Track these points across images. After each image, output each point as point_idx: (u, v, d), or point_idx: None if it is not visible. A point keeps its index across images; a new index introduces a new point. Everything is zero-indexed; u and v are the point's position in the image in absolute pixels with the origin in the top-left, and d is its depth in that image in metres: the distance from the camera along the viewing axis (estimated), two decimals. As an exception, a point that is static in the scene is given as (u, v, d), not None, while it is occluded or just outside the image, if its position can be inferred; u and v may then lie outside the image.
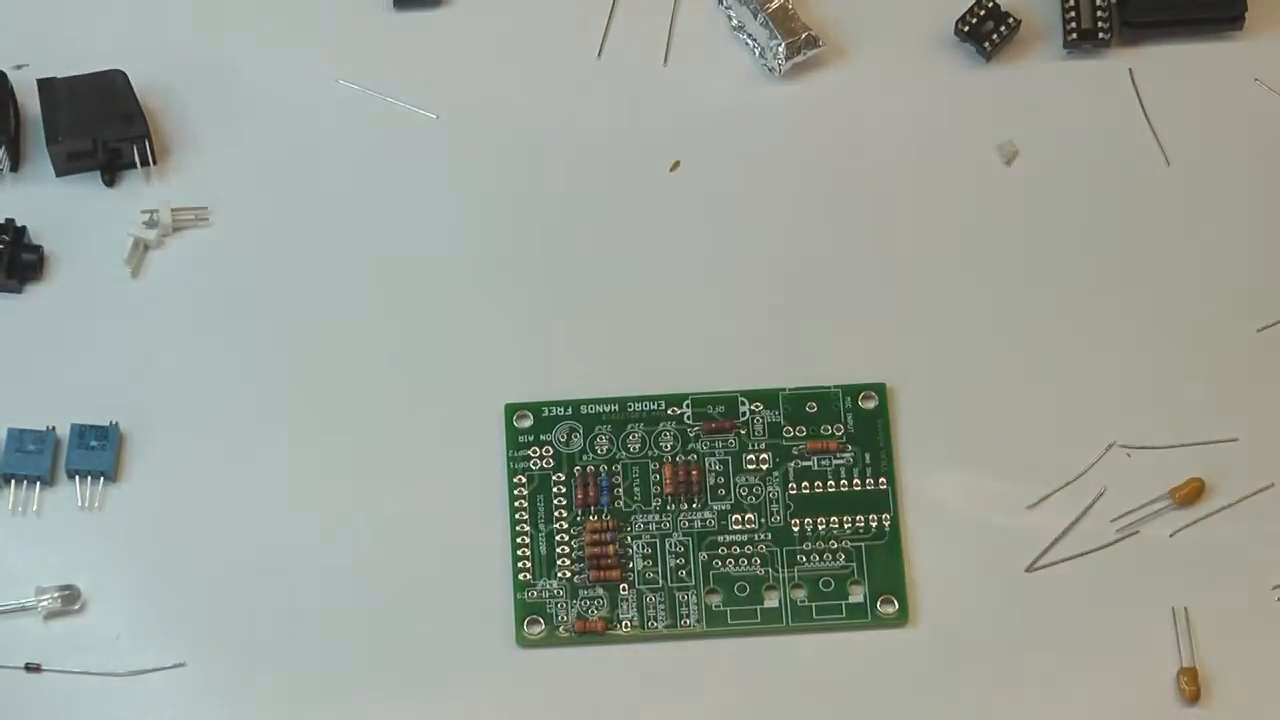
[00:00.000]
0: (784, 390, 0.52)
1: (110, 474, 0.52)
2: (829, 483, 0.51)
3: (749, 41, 0.58)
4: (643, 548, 0.51)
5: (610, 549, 0.51)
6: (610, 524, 0.51)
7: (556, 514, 0.51)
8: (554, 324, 0.54)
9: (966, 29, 0.58)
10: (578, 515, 0.51)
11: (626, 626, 0.50)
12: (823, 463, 0.52)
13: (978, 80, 0.58)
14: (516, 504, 0.51)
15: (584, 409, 0.52)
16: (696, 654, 0.50)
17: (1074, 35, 0.58)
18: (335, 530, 0.51)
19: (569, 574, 0.51)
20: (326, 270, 0.55)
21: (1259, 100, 0.57)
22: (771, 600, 0.50)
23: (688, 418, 0.52)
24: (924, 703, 0.50)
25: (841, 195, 0.57)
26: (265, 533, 0.51)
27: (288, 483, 0.52)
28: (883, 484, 0.51)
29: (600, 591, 0.50)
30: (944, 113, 0.57)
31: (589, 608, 0.50)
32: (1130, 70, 0.58)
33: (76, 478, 0.52)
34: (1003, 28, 0.58)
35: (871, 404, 0.52)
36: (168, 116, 0.57)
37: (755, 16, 0.58)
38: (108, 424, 0.52)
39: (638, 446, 0.52)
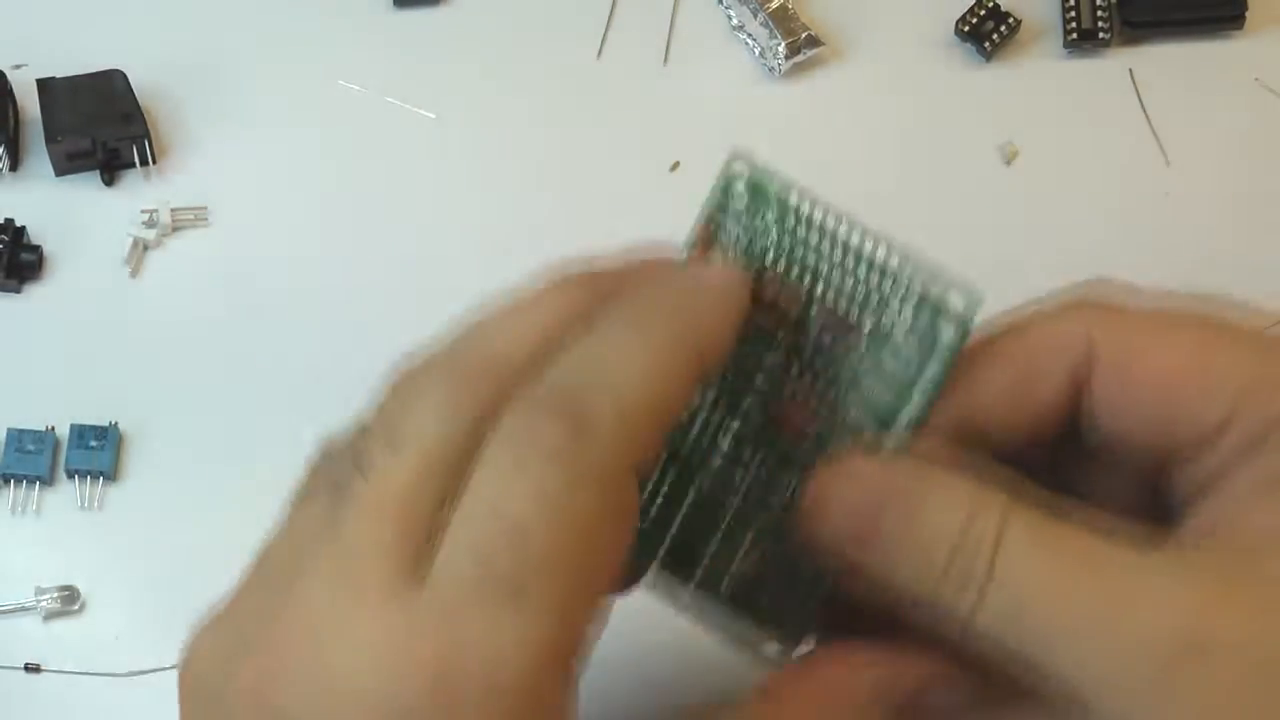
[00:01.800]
0: None
1: (110, 474, 0.52)
2: None
3: (749, 41, 0.58)
4: None
5: None
6: None
7: None
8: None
9: (966, 29, 0.58)
10: None
11: None
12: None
13: (978, 80, 0.58)
14: None
15: None
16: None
17: (1074, 35, 0.58)
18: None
19: None
20: (326, 270, 0.55)
21: (1259, 100, 0.58)
22: None
23: None
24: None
25: (841, 195, 0.56)
26: (266, 533, 0.51)
27: (288, 482, 0.52)
28: None
29: None
30: (944, 113, 0.57)
31: None
32: (1130, 70, 0.58)
33: (76, 478, 0.52)
34: (1003, 28, 0.58)
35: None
36: (168, 116, 0.57)
37: (755, 16, 0.58)
38: (107, 424, 0.52)
39: None
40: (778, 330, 0.40)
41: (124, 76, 0.56)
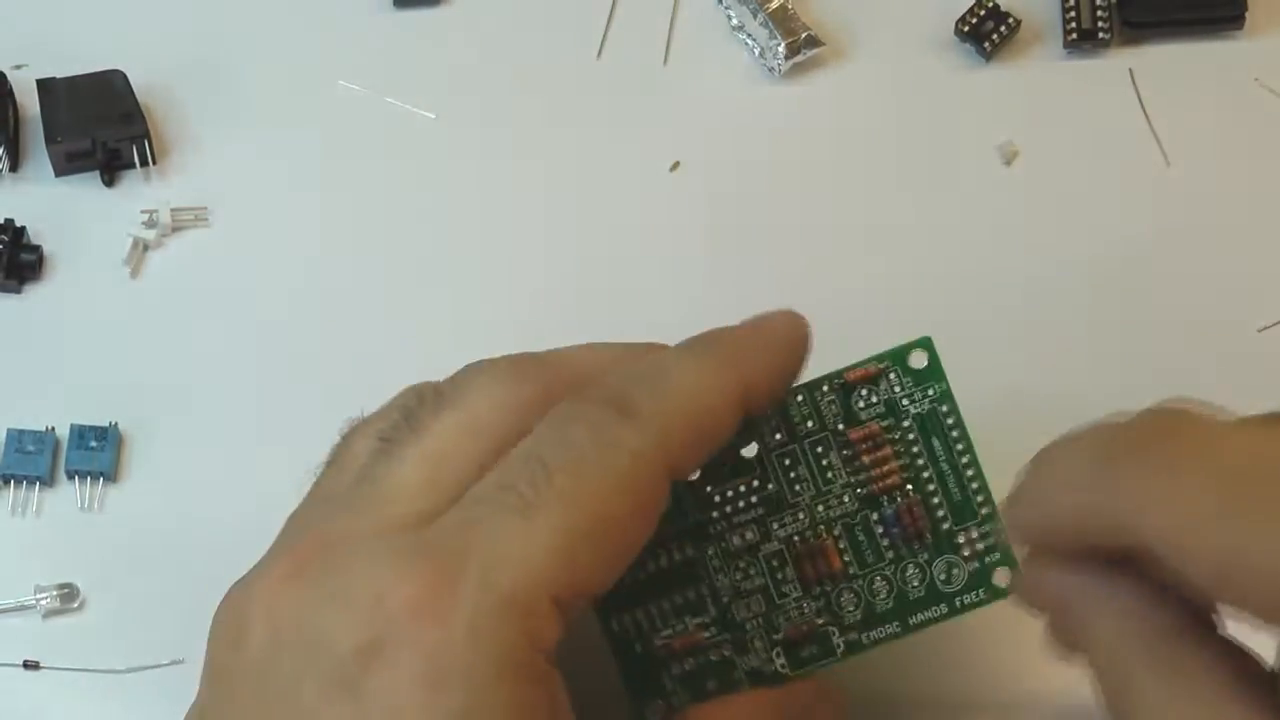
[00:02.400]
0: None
1: (110, 475, 0.52)
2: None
3: (749, 41, 0.58)
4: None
5: None
6: None
7: None
8: (554, 324, 0.54)
9: (966, 29, 0.58)
10: None
11: None
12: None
13: (978, 80, 0.58)
14: None
15: None
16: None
17: (1074, 35, 0.58)
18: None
19: None
20: (326, 270, 0.55)
21: (1259, 100, 0.57)
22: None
23: None
24: (925, 703, 0.49)
25: (841, 195, 0.57)
26: (265, 533, 0.51)
27: (288, 482, 0.52)
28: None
29: None
30: (944, 113, 0.57)
31: None
32: (1130, 70, 0.58)
33: (76, 478, 0.52)
34: (1003, 28, 0.58)
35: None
36: (168, 116, 0.57)
37: (755, 16, 0.58)
38: (107, 424, 0.52)
39: None
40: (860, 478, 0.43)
41: (124, 76, 0.56)
